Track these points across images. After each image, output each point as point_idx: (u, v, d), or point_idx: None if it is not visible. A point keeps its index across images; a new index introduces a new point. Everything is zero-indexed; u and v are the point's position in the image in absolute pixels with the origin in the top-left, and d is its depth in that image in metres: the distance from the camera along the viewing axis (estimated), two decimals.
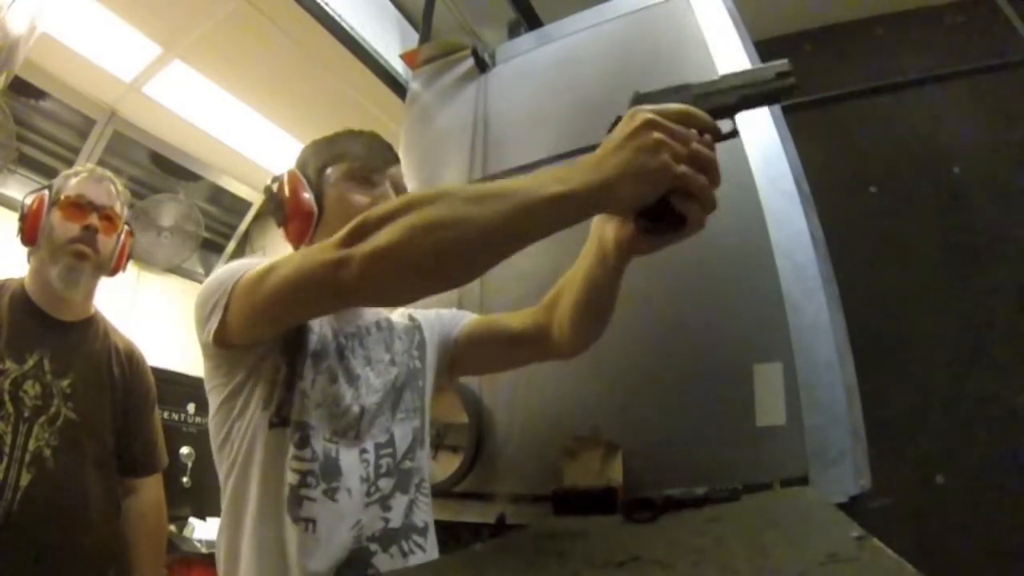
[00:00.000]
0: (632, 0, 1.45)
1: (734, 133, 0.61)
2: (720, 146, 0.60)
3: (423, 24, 2.03)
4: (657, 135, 0.54)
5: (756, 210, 1.08)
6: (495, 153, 1.49)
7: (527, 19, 2.03)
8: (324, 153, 0.87)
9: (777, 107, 1.19)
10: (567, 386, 1.12)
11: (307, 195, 0.82)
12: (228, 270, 0.71)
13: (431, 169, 1.59)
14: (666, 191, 0.56)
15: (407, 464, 0.80)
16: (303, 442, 0.71)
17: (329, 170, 0.84)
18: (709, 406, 1.00)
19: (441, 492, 1.10)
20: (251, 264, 0.69)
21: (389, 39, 2.22)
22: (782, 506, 0.71)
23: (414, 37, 2.21)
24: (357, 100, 2.27)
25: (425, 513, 0.81)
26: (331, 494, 0.71)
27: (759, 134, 1.14)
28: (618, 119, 0.61)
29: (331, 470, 0.72)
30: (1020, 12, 1.67)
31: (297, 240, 0.84)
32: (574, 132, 1.38)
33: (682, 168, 0.55)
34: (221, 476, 0.76)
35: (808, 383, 0.93)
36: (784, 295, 0.99)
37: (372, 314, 0.88)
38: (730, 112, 0.62)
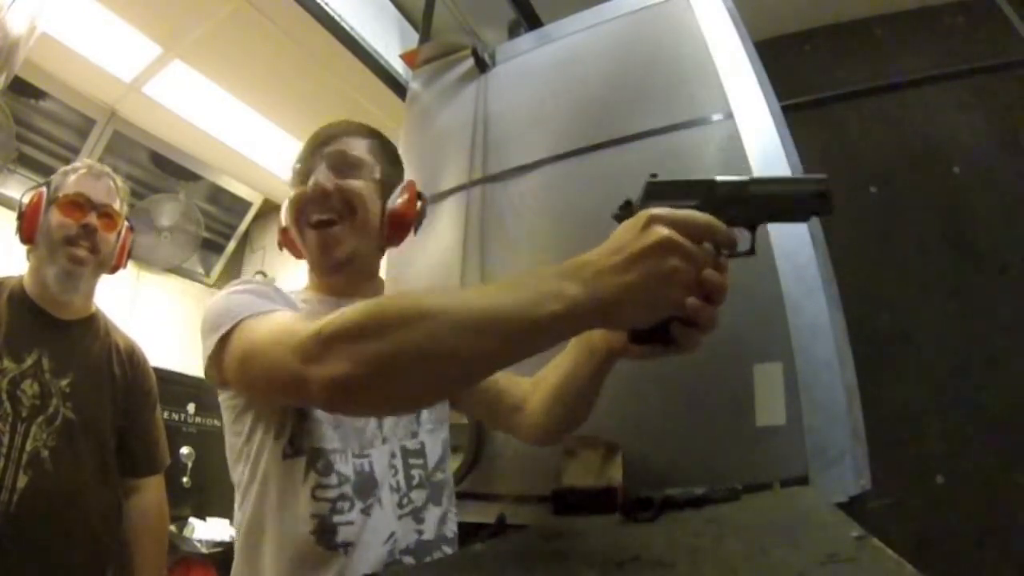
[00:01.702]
0: (632, 0, 1.45)
1: (751, 252, 0.54)
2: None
3: (423, 24, 2.03)
4: (673, 263, 0.47)
5: None
6: (495, 153, 1.49)
7: (527, 19, 2.03)
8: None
9: (777, 107, 1.19)
10: None
11: (283, 218, 0.83)
12: (223, 308, 0.66)
13: (431, 169, 1.59)
14: (666, 318, 0.51)
15: (439, 476, 0.79)
16: (327, 468, 0.68)
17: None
18: (709, 406, 1.00)
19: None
20: (239, 311, 0.64)
21: (389, 39, 2.22)
22: (782, 506, 0.71)
23: (414, 37, 2.21)
24: (357, 100, 2.27)
25: (454, 523, 0.81)
26: (367, 510, 0.69)
27: (759, 134, 1.14)
28: (627, 204, 0.55)
29: (367, 485, 0.70)
30: (1020, 12, 1.67)
31: (297, 256, 0.85)
32: (574, 132, 1.38)
33: (692, 301, 0.49)
34: (236, 501, 0.74)
35: (808, 383, 0.93)
36: (784, 295, 0.99)
37: None
38: (752, 225, 0.54)
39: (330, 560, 0.66)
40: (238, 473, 0.73)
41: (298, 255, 0.85)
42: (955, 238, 1.78)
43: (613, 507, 0.88)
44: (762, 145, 1.13)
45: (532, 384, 0.82)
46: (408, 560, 0.71)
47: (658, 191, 0.55)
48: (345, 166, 0.79)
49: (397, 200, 0.81)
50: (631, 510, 0.72)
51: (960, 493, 1.56)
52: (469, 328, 0.47)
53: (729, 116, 1.17)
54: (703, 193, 0.53)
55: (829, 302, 0.98)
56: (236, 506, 0.74)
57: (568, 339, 0.54)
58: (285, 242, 0.85)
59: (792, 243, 1.03)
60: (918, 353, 1.71)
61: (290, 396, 0.61)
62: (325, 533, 0.66)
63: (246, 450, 0.72)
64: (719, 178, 0.54)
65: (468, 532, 0.96)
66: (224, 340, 0.63)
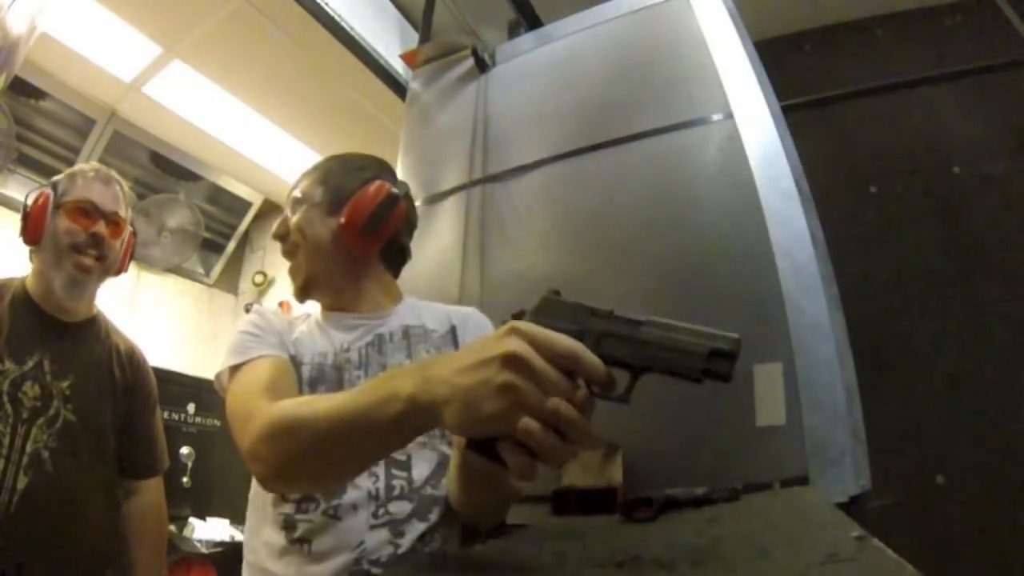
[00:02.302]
0: (632, 0, 1.46)
1: (622, 399, 0.48)
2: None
3: (423, 24, 2.03)
4: (510, 378, 0.44)
5: (756, 210, 1.08)
6: (495, 153, 1.49)
7: (527, 19, 2.03)
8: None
9: (777, 107, 1.19)
10: None
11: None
12: (229, 347, 0.78)
13: (431, 169, 1.59)
14: (496, 435, 0.46)
15: (429, 492, 0.76)
16: None
17: None
18: (709, 406, 1.00)
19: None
20: (234, 353, 0.76)
21: (389, 39, 2.22)
22: (782, 506, 0.71)
23: (414, 37, 2.21)
24: (357, 100, 2.27)
25: (436, 541, 0.75)
26: (333, 512, 0.71)
27: (759, 134, 1.14)
28: (520, 313, 0.52)
29: (336, 488, 0.72)
30: (1020, 12, 1.67)
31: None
32: (574, 132, 1.38)
33: (525, 422, 0.43)
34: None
35: (808, 383, 0.93)
36: (784, 295, 0.99)
37: (400, 318, 0.86)
38: (633, 371, 0.48)
39: (291, 552, 0.70)
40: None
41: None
42: (955, 238, 1.78)
43: (613, 507, 0.88)
44: (762, 145, 1.13)
45: None
46: (376, 571, 0.69)
47: (549, 308, 0.51)
48: (294, 207, 0.88)
49: (346, 206, 0.84)
50: (631, 510, 0.72)
51: (960, 493, 1.56)
52: (331, 437, 0.55)
53: (729, 116, 1.17)
54: (592, 321, 0.49)
55: (829, 302, 0.98)
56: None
57: (422, 433, 0.54)
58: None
59: (792, 243, 1.03)
60: (918, 353, 1.71)
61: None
62: (288, 528, 0.72)
63: None
64: (618, 312, 0.49)
65: (468, 532, 0.96)
66: (225, 378, 0.76)
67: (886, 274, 1.80)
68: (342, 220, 0.83)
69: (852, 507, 0.82)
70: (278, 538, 0.72)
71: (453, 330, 0.88)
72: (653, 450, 1.01)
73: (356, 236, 0.83)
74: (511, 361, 0.44)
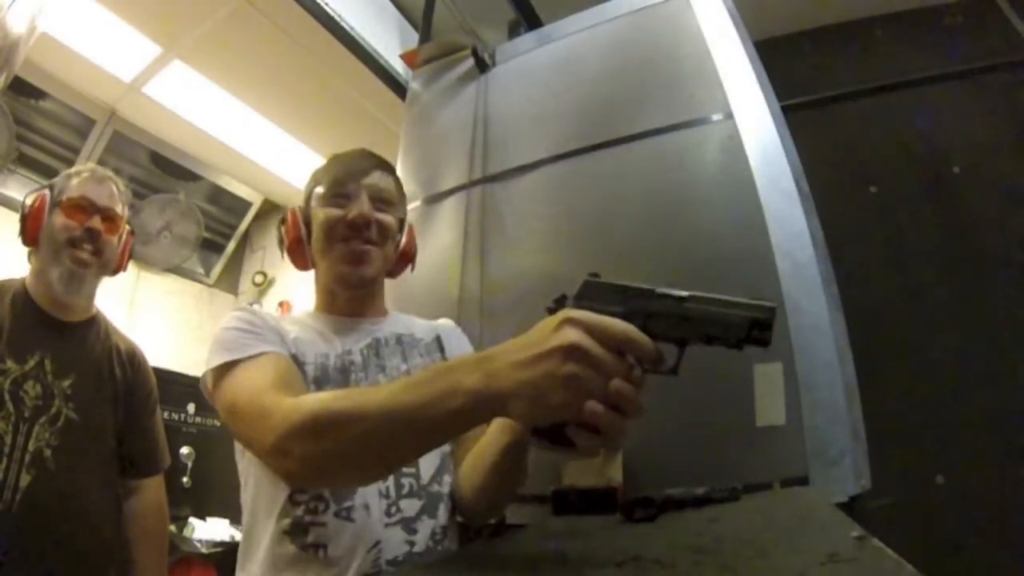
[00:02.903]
0: (632, 0, 1.46)
1: (674, 371, 0.51)
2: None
3: (423, 24, 2.03)
4: (573, 368, 0.46)
5: (756, 210, 1.08)
6: (495, 153, 1.49)
7: (527, 19, 2.03)
8: (312, 180, 0.92)
9: (777, 107, 1.19)
10: None
11: (299, 227, 0.88)
12: (217, 344, 0.74)
13: (431, 169, 1.59)
14: (562, 422, 0.49)
15: (435, 488, 0.78)
16: None
17: (313, 195, 0.89)
18: (709, 406, 1.00)
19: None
20: (224, 352, 0.71)
21: (389, 39, 2.22)
22: (782, 506, 0.71)
23: (414, 37, 2.21)
24: (357, 100, 2.27)
25: (455, 539, 0.79)
26: (346, 513, 0.70)
27: (759, 134, 1.14)
28: (561, 299, 0.54)
29: (346, 489, 0.71)
30: (1020, 12, 1.67)
31: (301, 267, 0.90)
32: (574, 132, 1.38)
33: (591, 406, 0.46)
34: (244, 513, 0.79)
35: (808, 383, 0.93)
36: (784, 295, 0.99)
37: (391, 326, 0.89)
38: (680, 344, 0.51)
39: (306, 561, 0.68)
40: (242, 487, 0.79)
41: (303, 266, 0.89)
42: (955, 238, 1.78)
43: (613, 507, 0.88)
44: (762, 145, 1.13)
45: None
46: (391, 570, 0.70)
47: (592, 292, 0.54)
48: (381, 201, 0.87)
49: (403, 238, 0.91)
50: (631, 510, 0.72)
51: (960, 493, 1.56)
52: (382, 430, 0.54)
53: (729, 116, 1.17)
54: (637, 301, 0.52)
55: (829, 302, 0.98)
56: (243, 519, 0.79)
57: (474, 426, 0.55)
58: (293, 251, 0.89)
59: (792, 243, 1.03)
60: (918, 353, 1.71)
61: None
62: (297, 533, 0.70)
63: (242, 455, 0.78)
64: (659, 289, 0.52)
65: (468, 532, 0.96)
66: (216, 377, 0.72)
67: (886, 274, 1.80)
68: (402, 246, 0.91)
69: (852, 507, 0.82)
70: (288, 547, 0.70)
71: (438, 339, 0.92)
72: (653, 450, 1.00)
73: (403, 266, 0.93)
74: (572, 352, 0.46)
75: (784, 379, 0.95)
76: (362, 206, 0.83)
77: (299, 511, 0.70)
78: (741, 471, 0.88)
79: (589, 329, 0.47)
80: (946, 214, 1.81)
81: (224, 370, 0.71)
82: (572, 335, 0.47)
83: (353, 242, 0.83)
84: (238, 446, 0.79)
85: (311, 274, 0.91)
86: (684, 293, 0.51)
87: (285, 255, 0.91)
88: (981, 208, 1.78)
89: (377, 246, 0.85)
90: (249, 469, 0.77)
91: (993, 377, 1.61)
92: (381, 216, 0.85)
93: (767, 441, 0.94)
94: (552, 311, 0.52)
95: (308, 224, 0.87)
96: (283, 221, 0.91)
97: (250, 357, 0.71)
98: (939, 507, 1.56)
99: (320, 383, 0.77)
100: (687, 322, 0.51)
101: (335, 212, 0.84)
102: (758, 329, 0.49)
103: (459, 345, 0.93)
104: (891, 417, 1.60)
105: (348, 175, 0.86)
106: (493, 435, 0.73)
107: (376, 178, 0.87)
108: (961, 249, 1.76)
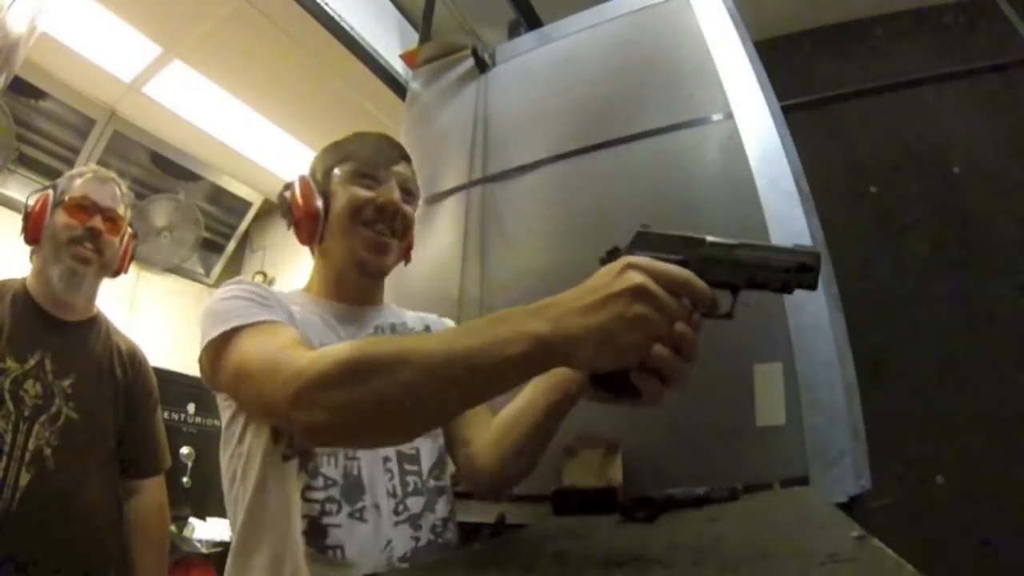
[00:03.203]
0: (632, 0, 1.45)
1: (728, 316, 0.53)
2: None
3: (423, 24, 2.03)
4: (642, 309, 0.47)
5: (756, 210, 1.08)
6: (495, 153, 1.49)
7: (527, 19, 2.03)
8: (332, 155, 0.86)
9: (777, 107, 1.19)
10: None
11: (314, 198, 0.81)
12: (215, 312, 0.68)
13: (431, 169, 1.59)
14: (628, 367, 0.50)
15: (433, 483, 0.78)
16: (314, 471, 0.69)
17: (336, 171, 0.84)
18: (709, 406, 1.00)
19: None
20: (229, 320, 0.65)
21: (389, 39, 2.22)
22: (782, 506, 0.71)
23: (414, 37, 2.21)
24: (357, 100, 2.28)
25: (454, 531, 0.79)
26: (359, 515, 0.69)
27: (759, 134, 1.14)
28: (614, 250, 0.55)
29: (354, 488, 0.70)
30: (1020, 12, 1.67)
31: (307, 241, 0.84)
32: (574, 132, 1.38)
33: (658, 349, 0.48)
34: (229, 505, 0.74)
35: (808, 383, 0.93)
36: (784, 295, 0.99)
37: (387, 317, 0.87)
38: (734, 289, 0.54)
39: (325, 564, 0.66)
40: (230, 471, 0.74)
41: (310, 241, 0.84)
42: (955, 238, 1.78)
43: (613, 507, 0.88)
44: (762, 145, 1.13)
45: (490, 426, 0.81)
46: (405, 567, 0.70)
47: (646, 241, 0.55)
48: (407, 193, 0.85)
49: (411, 231, 0.89)
50: (631, 510, 0.72)
51: (960, 493, 1.56)
52: (436, 373, 0.49)
53: (729, 116, 1.17)
54: (690, 249, 0.54)
55: (829, 302, 0.98)
56: (229, 506, 0.74)
57: (533, 375, 0.54)
58: (305, 223, 0.82)
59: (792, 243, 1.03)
60: (918, 352, 1.71)
61: (278, 424, 0.66)
62: (315, 535, 0.67)
63: (239, 450, 0.72)
64: (709, 238, 0.54)
65: (468, 532, 0.96)
66: (218, 346, 0.65)
67: (886, 274, 1.80)
68: (409, 241, 0.88)
69: (852, 507, 0.82)
70: (305, 549, 0.66)
71: (427, 328, 0.91)
72: (653, 450, 1.01)
73: (404, 259, 0.90)
74: (639, 294, 0.47)
75: (784, 379, 0.95)
76: (392, 192, 0.81)
77: (315, 511, 0.67)
78: (741, 471, 0.88)
79: (651, 273, 0.48)
80: (946, 214, 1.81)
81: (226, 339, 0.65)
82: (637, 277, 0.48)
83: (379, 226, 0.80)
84: (226, 443, 0.74)
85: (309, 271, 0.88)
86: (734, 241, 0.54)
87: (290, 227, 0.84)
88: (981, 208, 1.78)
89: (397, 239, 0.83)
90: (248, 465, 0.71)
91: (994, 376, 1.61)
92: (406, 208, 0.83)
93: (767, 441, 0.93)
94: (604, 262, 0.53)
95: (324, 198, 0.82)
96: (287, 188, 0.85)
97: (257, 323, 0.66)
98: (939, 507, 1.56)
99: None
100: (739, 268, 0.53)
101: (364, 193, 0.80)
102: (805, 272, 0.51)
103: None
104: (891, 417, 1.60)
105: (381, 159, 0.83)
106: (531, 398, 0.71)
107: (404, 168, 0.85)
108: (961, 249, 1.76)
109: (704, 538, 0.55)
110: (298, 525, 0.67)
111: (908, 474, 1.57)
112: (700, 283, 0.50)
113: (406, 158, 0.87)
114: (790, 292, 0.52)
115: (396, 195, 0.81)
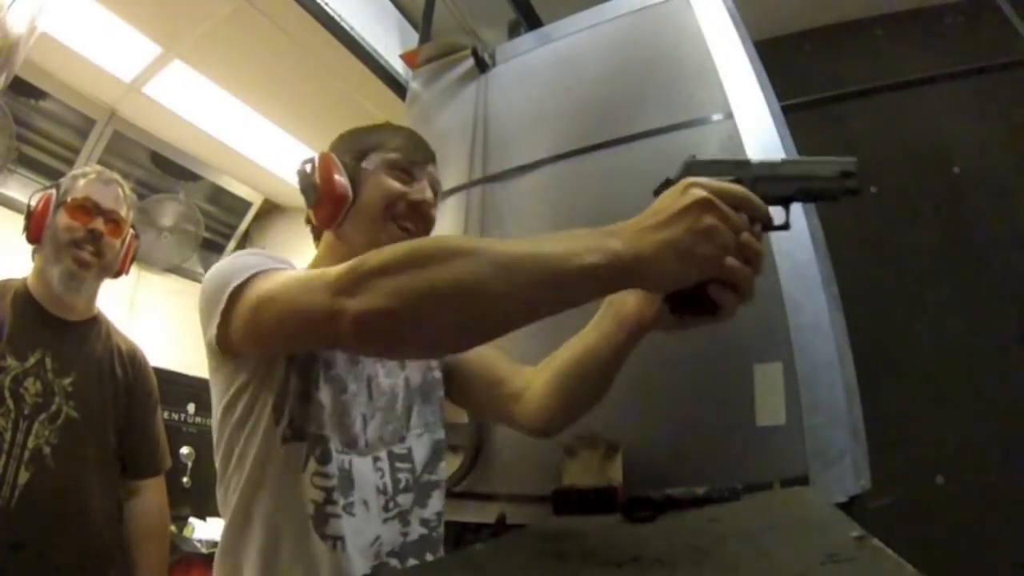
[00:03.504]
0: (632, 0, 1.45)
1: (786, 226, 0.58)
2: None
3: (423, 24, 2.03)
4: (711, 220, 0.50)
5: None
6: (495, 153, 1.49)
7: (527, 19, 2.03)
8: (363, 140, 0.83)
9: (777, 107, 1.19)
10: None
11: (341, 178, 0.77)
12: (232, 269, 0.64)
13: None
14: (705, 279, 0.52)
15: (426, 478, 0.78)
16: (325, 457, 0.68)
17: (368, 157, 0.80)
18: (709, 406, 1.00)
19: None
20: (255, 268, 0.63)
21: (389, 39, 2.22)
22: (782, 506, 0.71)
23: (414, 37, 2.21)
24: (357, 100, 2.27)
25: (441, 525, 0.80)
26: (349, 508, 0.68)
27: (759, 134, 1.14)
28: (667, 181, 0.57)
29: (346, 483, 0.69)
30: (1020, 12, 1.67)
31: (326, 223, 0.79)
32: (574, 132, 1.38)
33: (729, 259, 0.51)
34: (221, 486, 0.71)
35: (808, 383, 0.93)
36: (784, 295, 0.99)
37: None
38: (785, 202, 0.58)
39: (326, 553, 0.65)
40: (224, 456, 0.71)
41: (331, 225, 0.79)
42: (955, 238, 1.78)
43: (613, 507, 0.88)
44: (762, 145, 1.13)
45: (535, 371, 0.80)
46: (393, 562, 0.70)
47: (696, 168, 0.58)
48: (434, 194, 0.82)
49: None
50: (631, 510, 0.72)
51: (960, 493, 1.56)
52: (505, 267, 0.47)
53: (729, 116, 1.17)
54: (740, 170, 0.58)
55: (829, 302, 0.98)
56: (221, 491, 0.72)
57: (602, 296, 0.55)
58: (332, 204, 0.77)
59: (792, 243, 1.03)
60: (918, 353, 1.71)
61: (314, 332, 0.57)
62: (320, 523, 0.66)
63: (239, 434, 0.70)
64: (754, 159, 0.59)
65: (468, 532, 0.96)
66: (236, 295, 0.61)
67: (886, 274, 1.80)
68: None
69: (852, 507, 0.82)
70: (309, 537, 0.65)
71: None
72: (653, 450, 1.00)
73: None
74: (706, 206, 0.50)
75: (784, 379, 0.95)
76: (426, 191, 0.79)
77: (321, 497, 0.66)
78: (741, 471, 0.88)
79: (712, 190, 0.51)
80: (946, 214, 1.81)
81: (241, 289, 0.61)
82: (702, 192, 0.50)
83: (408, 223, 0.77)
84: (223, 423, 0.70)
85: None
86: (776, 159, 0.59)
87: (311, 205, 0.79)
88: (981, 208, 1.78)
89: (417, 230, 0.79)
90: (248, 447, 0.68)
91: (994, 377, 1.61)
92: (432, 213, 0.81)
93: (767, 441, 0.93)
94: (658, 193, 0.55)
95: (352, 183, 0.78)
96: (308, 162, 0.80)
97: (273, 269, 0.62)
98: (939, 507, 1.56)
99: (328, 365, 0.72)
100: (786, 181, 0.57)
101: (399, 187, 0.78)
102: (848, 178, 0.56)
103: None
104: (891, 417, 1.60)
105: (419, 156, 0.82)
106: (596, 338, 0.70)
107: (433, 170, 0.84)
108: (961, 249, 1.76)
109: (704, 538, 0.55)
110: (306, 509, 0.66)
111: (908, 474, 1.57)
112: (755, 198, 0.54)
113: (435, 160, 0.85)
114: (836, 200, 0.57)
115: (430, 194, 0.80)
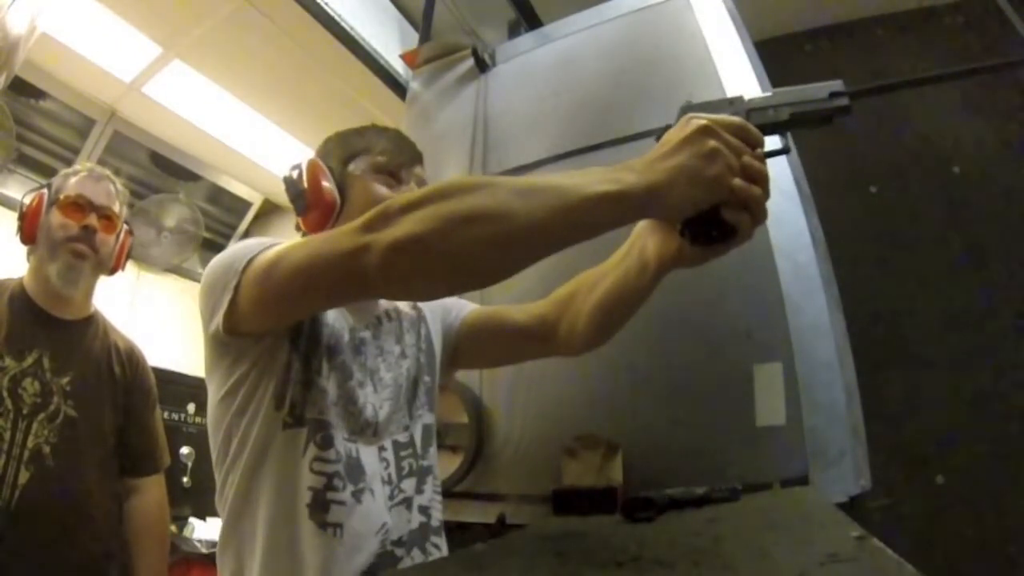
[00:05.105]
0: (632, 0, 1.45)
1: (785, 150, 0.61)
2: None
3: (423, 24, 2.03)
4: (713, 143, 0.54)
5: None
6: (495, 153, 1.49)
7: (527, 19, 2.03)
8: (350, 144, 0.84)
9: None
10: (567, 386, 1.12)
11: (329, 184, 0.79)
12: (237, 251, 0.66)
13: (431, 169, 1.58)
14: (717, 202, 0.55)
15: (424, 462, 0.79)
16: (327, 442, 0.68)
17: (354, 162, 0.82)
18: (709, 406, 1.00)
19: (441, 492, 1.11)
20: (263, 244, 0.65)
21: (389, 39, 2.22)
22: (782, 506, 0.71)
23: (414, 37, 2.21)
24: (357, 100, 2.27)
25: (440, 511, 0.80)
26: (358, 496, 0.69)
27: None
28: (667, 127, 0.60)
29: (355, 471, 0.69)
30: (1020, 12, 1.67)
31: (315, 230, 0.80)
32: (574, 132, 1.38)
33: (737, 180, 0.54)
34: (219, 476, 0.71)
35: (808, 383, 0.93)
36: (784, 295, 0.99)
37: (382, 305, 0.85)
38: (780, 129, 0.61)
39: (320, 540, 0.65)
40: (228, 451, 0.70)
41: (315, 229, 0.79)
42: (955, 238, 1.78)
43: (613, 507, 0.88)
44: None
45: (559, 298, 0.83)
46: (399, 552, 0.71)
47: (695, 108, 0.61)
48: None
49: None
50: (631, 510, 0.72)
51: (960, 493, 1.56)
52: (524, 194, 0.50)
53: None
54: (733, 106, 0.61)
55: (829, 302, 0.98)
56: (219, 479, 0.71)
57: (619, 225, 0.55)
58: (319, 209, 0.79)
59: (792, 243, 1.03)
60: (918, 353, 1.71)
61: (334, 275, 0.57)
62: (318, 509, 0.66)
63: (239, 421, 0.69)
64: (745, 95, 0.62)
65: (468, 532, 0.96)
66: (246, 270, 0.63)
67: (886, 274, 1.80)
68: None
69: (852, 507, 0.82)
70: (307, 524, 0.65)
71: (415, 306, 0.89)
72: (653, 450, 1.01)
73: None
74: (708, 132, 0.54)
75: (784, 379, 0.95)
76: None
77: (321, 483, 0.66)
78: (741, 471, 0.88)
79: (711, 120, 0.55)
80: (946, 214, 1.81)
81: (248, 267, 0.63)
82: (701, 121, 0.55)
83: None
84: (222, 419, 0.70)
85: None
86: (767, 92, 0.62)
87: (300, 212, 0.80)
88: (981, 208, 1.78)
89: None
90: (248, 434, 0.68)
91: (994, 377, 1.61)
92: None
93: (767, 441, 0.93)
94: (659, 137, 0.58)
95: (339, 187, 0.79)
96: (295, 168, 0.82)
97: (278, 244, 0.64)
98: (939, 507, 1.56)
99: (332, 352, 0.72)
100: (779, 108, 0.60)
101: (385, 191, 0.79)
102: (838, 97, 0.59)
103: (437, 312, 0.91)
104: (892, 418, 1.60)
105: (405, 158, 0.83)
106: (623, 276, 0.72)
107: (421, 171, 0.85)
108: (961, 248, 1.76)
109: (704, 538, 0.55)
110: (302, 496, 0.66)
111: (908, 474, 1.57)
112: (751, 126, 0.57)
113: (422, 160, 0.87)
114: (829, 122, 0.60)
115: None
